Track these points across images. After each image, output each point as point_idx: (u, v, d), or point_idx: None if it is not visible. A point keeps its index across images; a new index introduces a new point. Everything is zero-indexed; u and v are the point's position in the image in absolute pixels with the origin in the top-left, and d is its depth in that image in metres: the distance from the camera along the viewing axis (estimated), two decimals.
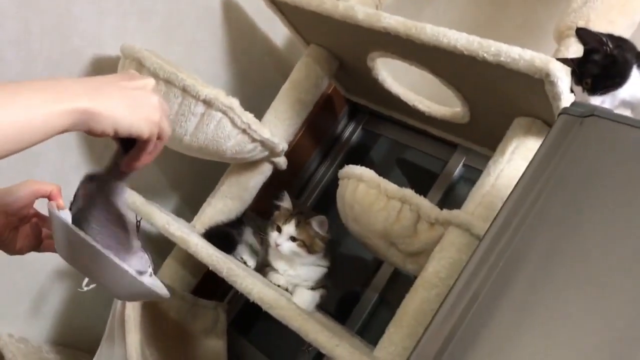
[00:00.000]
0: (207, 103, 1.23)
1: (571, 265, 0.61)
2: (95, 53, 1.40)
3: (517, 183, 0.71)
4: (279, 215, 1.39)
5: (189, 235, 1.27)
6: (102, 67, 1.42)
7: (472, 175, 1.59)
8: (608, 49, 0.81)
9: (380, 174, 1.20)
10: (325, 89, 1.60)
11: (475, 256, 0.68)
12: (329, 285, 1.43)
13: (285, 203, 1.39)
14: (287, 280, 1.36)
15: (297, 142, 1.76)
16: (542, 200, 0.66)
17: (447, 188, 1.64)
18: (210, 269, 1.22)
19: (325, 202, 1.84)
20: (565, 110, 0.72)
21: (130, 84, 0.61)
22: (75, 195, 0.67)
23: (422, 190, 1.18)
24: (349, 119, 1.93)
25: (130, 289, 0.68)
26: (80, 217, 0.66)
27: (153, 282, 0.70)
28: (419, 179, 1.76)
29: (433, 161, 1.72)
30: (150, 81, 0.63)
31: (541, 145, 0.72)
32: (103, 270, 0.64)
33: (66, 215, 0.68)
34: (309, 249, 1.34)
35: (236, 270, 1.17)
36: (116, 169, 0.66)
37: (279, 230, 1.34)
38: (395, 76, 1.47)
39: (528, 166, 0.71)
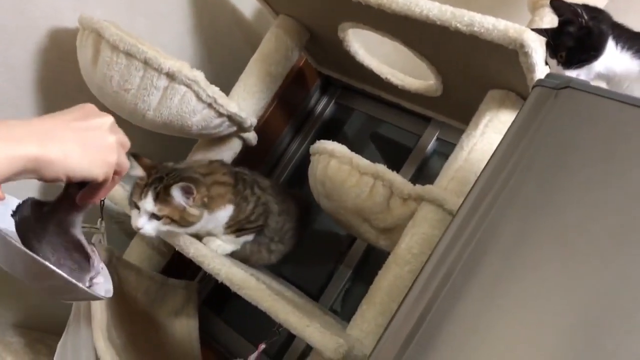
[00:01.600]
0: (170, 76, 1.18)
1: (545, 242, 0.60)
2: (52, 25, 1.33)
3: (491, 157, 0.69)
4: (135, 187, 1.07)
5: None
6: (60, 39, 1.35)
7: (446, 150, 1.57)
8: (583, 20, 0.79)
9: (353, 149, 1.17)
10: (296, 62, 1.56)
11: (448, 232, 0.67)
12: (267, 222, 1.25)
13: (137, 171, 1.08)
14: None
15: (268, 117, 1.72)
16: (516, 175, 0.65)
17: (421, 162, 1.63)
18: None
19: (298, 178, 1.81)
20: (539, 82, 0.71)
21: (85, 124, 0.57)
22: (18, 210, 0.65)
23: (395, 165, 1.16)
24: (321, 93, 1.90)
25: (71, 295, 0.67)
26: (29, 233, 0.63)
27: (102, 283, 0.69)
28: (393, 154, 1.74)
29: (406, 135, 1.70)
30: (107, 119, 0.60)
31: (515, 118, 0.70)
32: (39, 276, 0.62)
33: (4, 209, 0.66)
34: (180, 222, 1.07)
35: (203, 250, 1.14)
36: (68, 200, 0.64)
37: (138, 207, 1.06)
38: (368, 48, 1.44)
39: (502, 140, 0.70)
